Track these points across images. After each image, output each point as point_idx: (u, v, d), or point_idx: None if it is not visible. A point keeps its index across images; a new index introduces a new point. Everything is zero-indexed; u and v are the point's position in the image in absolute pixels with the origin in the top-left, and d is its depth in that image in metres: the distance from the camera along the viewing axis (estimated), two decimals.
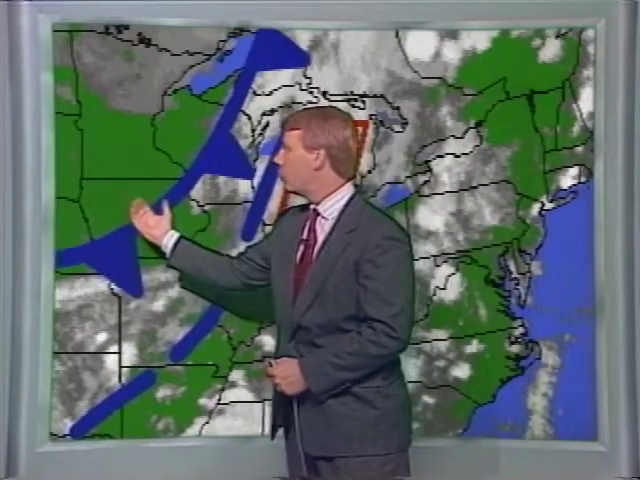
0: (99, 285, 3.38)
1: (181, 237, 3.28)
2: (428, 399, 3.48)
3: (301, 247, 2.94)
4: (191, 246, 3.29)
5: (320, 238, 2.91)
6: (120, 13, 3.31)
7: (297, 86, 3.40)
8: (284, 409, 2.96)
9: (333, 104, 3.37)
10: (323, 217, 2.92)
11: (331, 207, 2.91)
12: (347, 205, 2.90)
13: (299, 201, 3.41)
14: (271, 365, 2.92)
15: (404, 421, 2.93)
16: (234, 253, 3.38)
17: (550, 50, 3.43)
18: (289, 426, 2.98)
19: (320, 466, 2.91)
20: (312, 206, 2.95)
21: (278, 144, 3.37)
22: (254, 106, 3.40)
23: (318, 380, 2.83)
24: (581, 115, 3.44)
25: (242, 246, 3.40)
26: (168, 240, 3.27)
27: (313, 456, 2.91)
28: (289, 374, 2.86)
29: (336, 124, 2.91)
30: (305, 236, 2.94)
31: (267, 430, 3.42)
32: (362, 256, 2.82)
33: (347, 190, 2.92)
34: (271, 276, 3.02)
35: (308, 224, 2.95)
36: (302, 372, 2.84)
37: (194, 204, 3.39)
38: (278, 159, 2.99)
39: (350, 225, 2.87)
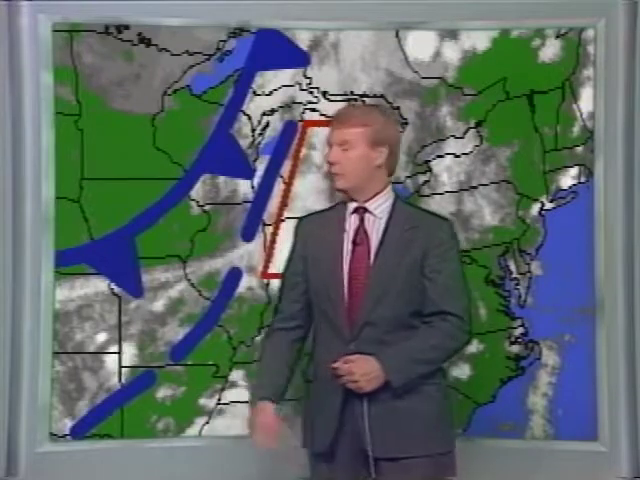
0: (99, 285, 3.38)
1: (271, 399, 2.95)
2: None
3: (349, 246, 2.87)
4: (281, 387, 2.96)
5: (374, 236, 2.85)
6: (120, 13, 3.31)
7: (297, 86, 3.40)
8: (341, 412, 2.84)
9: (333, 104, 3.38)
10: (374, 215, 2.87)
11: (381, 205, 2.86)
12: (394, 204, 2.88)
13: (299, 202, 3.42)
14: (348, 362, 2.79)
15: (453, 418, 2.94)
16: (234, 253, 3.39)
17: (550, 50, 3.43)
18: (341, 429, 2.85)
19: (383, 467, 2.82)
20: (355, 204, 2.87)
21: (279, 144, 3.39)
22: (254, 106, 3.40)
23: (399, 375, 2.78)
24: (581, 115, 3.44)
25: (242, 246, 3.41)
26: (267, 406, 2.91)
27: (380, 458, 2.83)
28: (369, 370, 2.78)
29: (394, 123, 2.91)
30: (352, 235, 2.88)
31: None
32: (428, 252, 2.81)
33: (391, 189, 2.89)
34: (312, 280, 2.90)
35: (353, 223, 2.88)
36: (382, 367, 2.78)
37: (194, 204, 3.39)
38: (332, 157, 2.85)
39: (408, 223, 2.84)
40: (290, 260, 2.96)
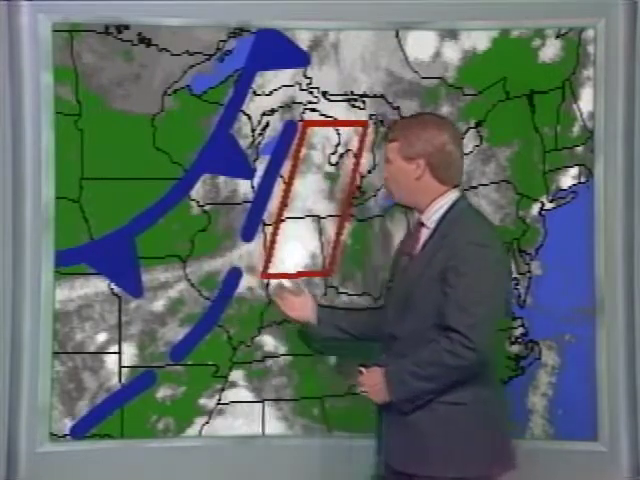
0: (99, 285, 3.38)
1: (319, 305, 3.24)
2: None
3: (406, 259, 2.92)
4: (332, 311, 3.25)
5: (418, 248, 2.87)
6: (120, 13, 3.30)
7: (297, 86, 3.40)
8: (377, 419, 2.93)
9: (333, 104, 3.39)
10: (425, 226, 2.88)
11: (432, 216, 2.86)
12: (447, 212, 2.85)
13: (299, 202, 3.42)
14: (361, 373, 2.89)
15: (489, 444, 2.80)
16: (234, 253, 3.39)
17: (550, 50, 3.43)
18: (380, 438, 2.94)
19: None
20: (417, 216, 2.93)
21: (279, 144, 3.40)
22: (254, 106, 3.40)
23: (398, 389, 2.77)
24: (581, 115, 3.44)
25: (242, 246, 3.41)
26: (313, 316, 3.22)
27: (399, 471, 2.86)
28: (375, 382, 2.83)
29: (432, 131, 2.86)
30: (411, 247, 2.91)
31: (267, 430, 3.43)
32: (447, 263, 2.75)
33: (450, 197, 2.87)
34: None
35: (417, 235, 2.92)
36: (385, 381, 2.79)
37: (194, 204, 3.39)
38: (384, 172, 2.97)
39: (443, 232, 2.81)
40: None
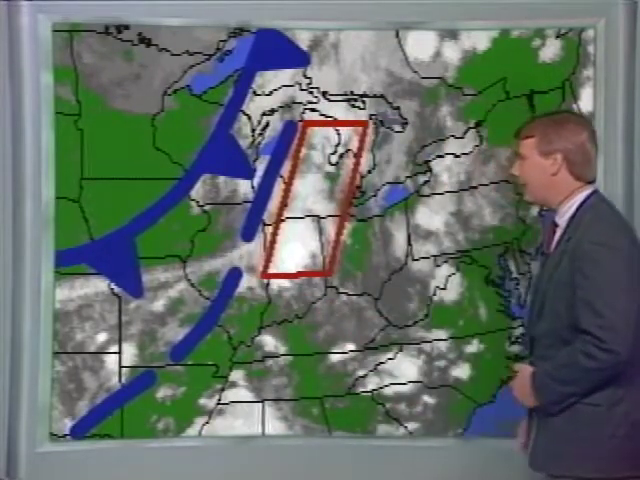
0: (99, 285, 3.38)
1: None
2: (428, 399, 3.48)
3: (544, 258, 2.93)
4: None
5: (552, 248, 2.86)
6: (120, 13, 3.31)
7: (297, 86, 3.40)
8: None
9: (333, 104, 3.39)
10: (559, 226, 2.86)
11: (564, 214, 2.84)
12: (577, 211, 2.82)
13: (299, 202, 3.42)
14: (515, 374, 2.89)
15: (627, 446, 2.74)
16: (234, 253, 3.39)
17: (550, 50, 3.43)
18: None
19: None
20: (552, 215, 2.91)
21: (279, 144, 3.39)
22: (254, 106, 3.40)
23: (542, 393, 2.77)
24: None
25: (242, 246, 3.41)
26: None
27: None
28: (522, 384, 2.83)
29: (572, 128, 2.84)
30: (547, 247, 2.91)
31: (267, 430, 3.43)
32: (573, 265, 2.73)
33: (581, 195, 2.83)
34: None
35: (553, 235, 2.91)
36: (531, 385, 2.79)
37: (194, 204, 3.39)
38: (514, 170, 2.95)
39: (570, 233, 2.79)
40: None
